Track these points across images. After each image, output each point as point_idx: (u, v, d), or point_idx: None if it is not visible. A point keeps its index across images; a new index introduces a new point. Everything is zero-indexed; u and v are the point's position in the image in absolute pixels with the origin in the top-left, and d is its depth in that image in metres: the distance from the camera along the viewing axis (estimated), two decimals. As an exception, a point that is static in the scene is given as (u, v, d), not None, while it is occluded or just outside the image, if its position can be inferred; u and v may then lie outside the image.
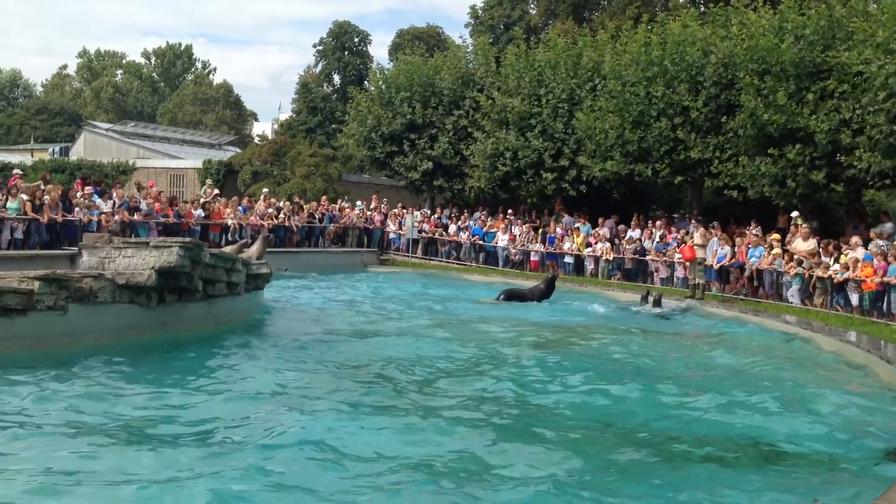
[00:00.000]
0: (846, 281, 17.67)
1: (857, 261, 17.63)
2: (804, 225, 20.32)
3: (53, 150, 49.61)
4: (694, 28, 24.24)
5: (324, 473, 6.60)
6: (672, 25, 24.87)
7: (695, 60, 23.61)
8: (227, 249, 16.37)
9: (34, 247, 18.43)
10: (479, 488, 6.44)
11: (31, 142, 60.26)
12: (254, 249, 16.79)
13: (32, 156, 45.78)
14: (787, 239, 20.56)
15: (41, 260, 16.81)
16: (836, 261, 18.30)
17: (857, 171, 19.80)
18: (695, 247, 20.34)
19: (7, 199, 18.68)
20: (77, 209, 19.85)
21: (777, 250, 19.85)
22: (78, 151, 47.43)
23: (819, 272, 18.37)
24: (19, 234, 18.44)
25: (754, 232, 21.47)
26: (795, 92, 20.83)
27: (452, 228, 28.52)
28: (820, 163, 20.61)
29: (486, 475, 6.79)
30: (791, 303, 18.84)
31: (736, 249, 20.94)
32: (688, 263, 20.92)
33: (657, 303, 19.18)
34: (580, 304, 19.76)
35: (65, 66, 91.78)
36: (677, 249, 21.99)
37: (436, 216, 29.80)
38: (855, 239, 18.62)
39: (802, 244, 19.42)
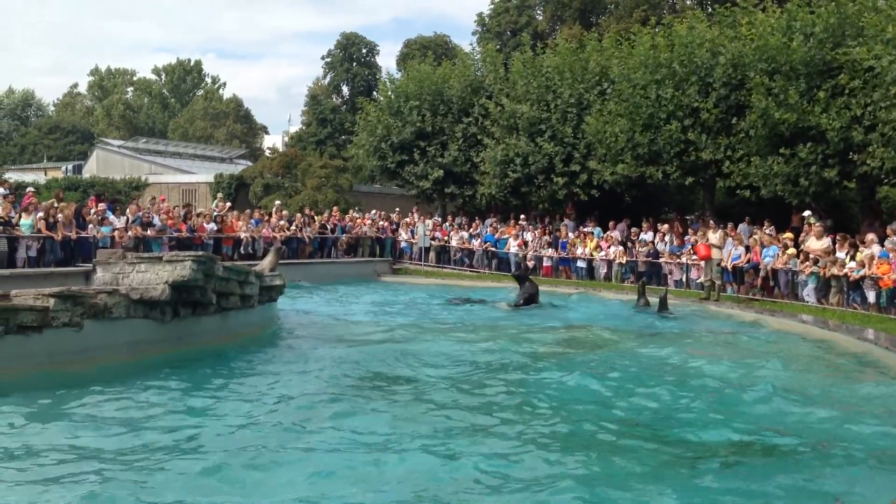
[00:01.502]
0: (862, 278, 17.53)
1: (873, 258, 17.49)
2: (817, 224, 20.18)
3: (66, 169, 50.03)
4: (701, 29, 24.19)
5: (349, 488, 6.56)
6: (679, 27, 24.83)
7: (704, 62, 23.55)
8: (266, 261, 16.54)
9: (49, 264, 18.54)
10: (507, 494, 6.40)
11: (45, 161, 60.81)
12: (267, 262, 16.82)
13: (46, 174, 46.27)
14: (800, 238, 20.43)
15: (56, 277, 16.90)
16: (852, 258, 18.16)
17: (870, 168, 19.66)
18: (710, 246, 20.19)
19: (21, 218, 18.81)
20: (91, 226, 19.96)
21: (792, 250, 19.74)
22: (91, 169, 47.82)
23: (835, 270, 18.24)
24: (33, 252, 18.56)
25: (767, 231, 21.35)
26: (806, 90, 20.73)
27: (464, 235, 28.47)
28: (832, 161, 20.49)
29: (514, 482, 6.74)
30: (807, 302, 18.71)
31: (750, 249, 20.80)
32: (702, 264, 20.78)
33: (663, 303, 18.88)
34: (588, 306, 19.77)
35: (76, 85, 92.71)
36: (693, 250, 21.84)
37: (447, 224, 29.81)
38: (870, 236, 18.47)
39: (816, 243, 19.29)
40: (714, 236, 20.49)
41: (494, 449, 7.63)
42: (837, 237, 19.12)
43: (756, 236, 21.34)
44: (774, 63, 21.35)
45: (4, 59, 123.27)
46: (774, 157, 21.33)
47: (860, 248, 18.23)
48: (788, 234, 20.78)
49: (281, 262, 18.23)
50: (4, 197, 19.95)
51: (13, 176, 36.74)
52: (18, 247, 18.36)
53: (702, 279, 20.93)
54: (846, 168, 20.44)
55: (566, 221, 27.68)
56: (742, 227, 22.68)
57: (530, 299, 19.71)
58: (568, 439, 8.05)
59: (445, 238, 28.81)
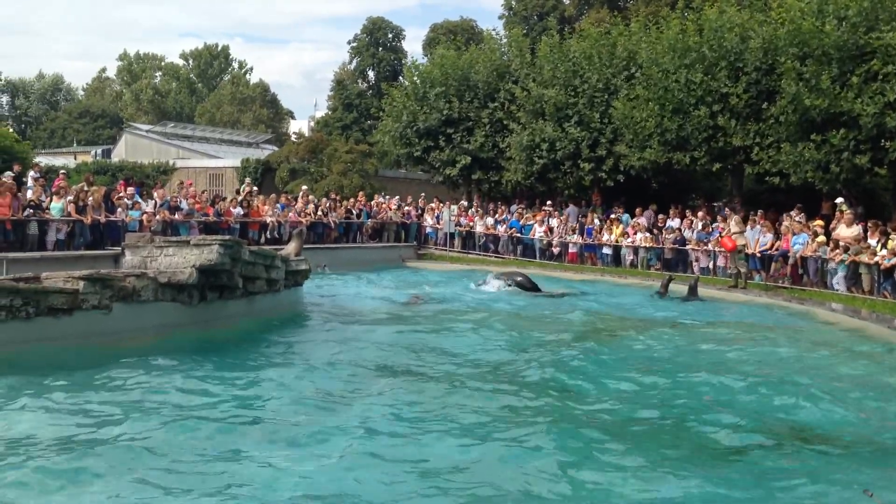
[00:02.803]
0: (894, 266, 17.25)
1: (905, 246, 17.21)
2: (848, 211, 19.89)
3: (96, 153, 50.50)
4: (731, 13, 23.85)
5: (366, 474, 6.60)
6: (708, 11, 24.49)
7: (734, 46, 23.23)
8: (291, 246, 16.60)
9: (79, 247, 18.72)
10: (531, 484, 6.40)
11: (74, 145, 61.46)
12: (292, 246, 16.90)
13: (76, 158, 46.68)
14: (831, 225, 20.15)
15: (86, 260, 17.07)
16: (884, 246, 17.88)
17: (903, 155, 19.32)
18: (734, 236, 19.99)
19: (52, 201, 19.02)
20: (119, 210, 20.15)
21: (822, 238, 19.47)
22: (119, 153, 48.26)
23: (866, 258, 17.97)
24: (63, 236, 18.77)
25: (797, 219, 21.06)
26: (838, 75, 20.38)
27: (490, 221, 28.38)
28: (864, 147, 20.16)
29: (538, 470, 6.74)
30: (836, 290, 18.46)
31: (782, 236, 20.56)
32: (729, 254, 20.57)
33: (692, 290, 18.89)
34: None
35: (104, 70, 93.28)
36: (719, 240, 21.59)
37: (473, 210, 29.72)
38: (903, 224, 18.18)
39: (846, 230, 19.00)
40: (733, 223, 20.26)
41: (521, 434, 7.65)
42: (869, 224, 18.82)
43: (786, 224, 21.07)
44: (806, 47, 20.98)
45: (34, 44, 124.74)
46: (805, 143, 21.02)
47: (892, 236, 17.95)
48: (819, 222, 20.48)
49: (306, 246, 18.29)
50: (35, 180, 20.19)
51: (44, 160, 37.05)
52: (49, 230, 18.56)
53: (728, 265, 20.77)
54: (878, 154, 20.11)
55: (570, 207, 27.48)
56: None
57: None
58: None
59: (471, 224, 28.75)
